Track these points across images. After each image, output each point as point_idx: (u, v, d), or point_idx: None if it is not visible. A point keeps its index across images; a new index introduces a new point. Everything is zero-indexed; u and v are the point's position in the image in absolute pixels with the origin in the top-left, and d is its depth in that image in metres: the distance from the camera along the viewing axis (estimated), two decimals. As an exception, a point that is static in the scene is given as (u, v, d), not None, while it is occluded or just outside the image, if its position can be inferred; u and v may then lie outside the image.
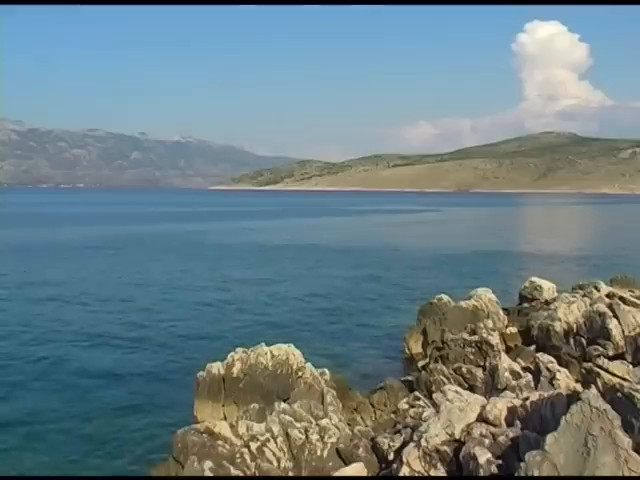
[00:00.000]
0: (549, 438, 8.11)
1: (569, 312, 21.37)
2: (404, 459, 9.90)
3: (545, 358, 14.88)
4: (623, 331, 19.33)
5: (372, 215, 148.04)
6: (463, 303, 24.92)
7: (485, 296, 25.49)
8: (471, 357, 18.70)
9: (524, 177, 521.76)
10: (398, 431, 12.03)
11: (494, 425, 9.90)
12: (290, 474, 11.65)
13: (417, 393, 15.47)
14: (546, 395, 9.93)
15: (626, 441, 7.84)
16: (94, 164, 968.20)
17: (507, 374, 14.93)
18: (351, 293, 38.64)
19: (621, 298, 22.38)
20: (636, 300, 22.63)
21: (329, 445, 12.03)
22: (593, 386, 11.13)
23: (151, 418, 17.74)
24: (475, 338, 19.16)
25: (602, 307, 20.49)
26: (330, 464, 11.75)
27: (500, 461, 8.94)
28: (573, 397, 8.90)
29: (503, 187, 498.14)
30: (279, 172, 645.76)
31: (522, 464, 8.15)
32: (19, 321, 29.76)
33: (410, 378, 18.16)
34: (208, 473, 10.85)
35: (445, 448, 9.79)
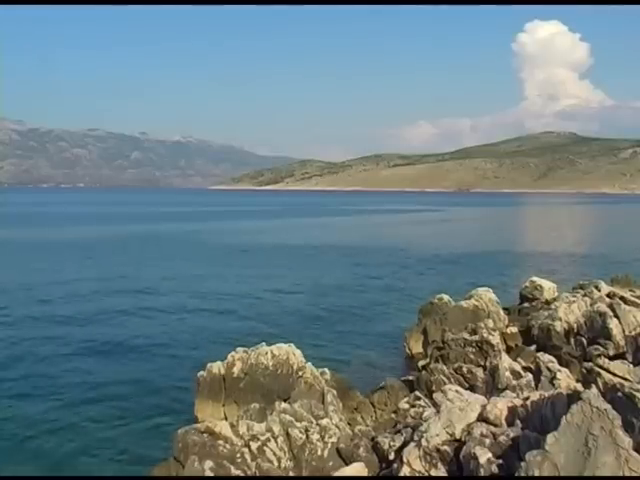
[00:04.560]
0: (549, 438, 8.11)
1: (570, 312, 21.36)
2: (404, 459, 9.89)
3: (545, 358, 14.85)
4: (624, 331, 19.34)
5: (372, 215, 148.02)
6: (464, 303, 24.90)
7: (485, 296, 25.47)
8: (472, 357, 18.67)
9: (524, 177, 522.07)
10: (399, 431, 12.02)
11: (495, 425, 9.90)
12: (290, 474, 11.64)
13: (417, 393, 15.45)
14: (547, 395, 9.91)
15: (627, 441, 7.84)
16: (94, 164, 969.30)
17: (507, 374, 14.91)
18: (351, 293, 38.62)
19: (622, 298, 22.36)
20: (637, 300, 22.61)
21: (330, 445, 12.01)
22: (594, 386, 11.11)
23: (151, 418, 17.72)
24: (476, 338, 19.14)
25: (603, 307, 20.48)
26: (330, 464, 11.74)
27: (500, 461, 8.94)
28: (574, 397, 8.89)
29: (503, 187, 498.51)
30: (279, 172, 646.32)
31: (522, 464, 8.15)
32: (20, 321, 29.77)
33: (411, 378, 18.13)
34: (208, 473, 10.84)
35: (445, 448, 9.79)
